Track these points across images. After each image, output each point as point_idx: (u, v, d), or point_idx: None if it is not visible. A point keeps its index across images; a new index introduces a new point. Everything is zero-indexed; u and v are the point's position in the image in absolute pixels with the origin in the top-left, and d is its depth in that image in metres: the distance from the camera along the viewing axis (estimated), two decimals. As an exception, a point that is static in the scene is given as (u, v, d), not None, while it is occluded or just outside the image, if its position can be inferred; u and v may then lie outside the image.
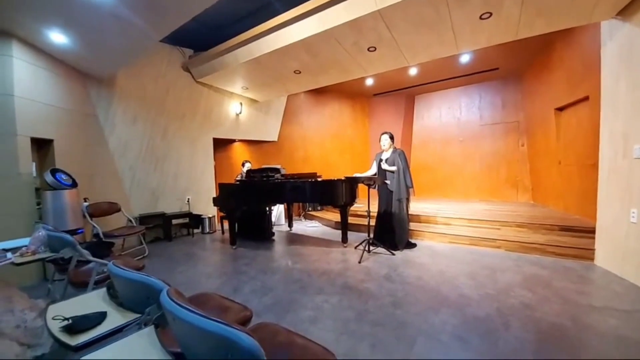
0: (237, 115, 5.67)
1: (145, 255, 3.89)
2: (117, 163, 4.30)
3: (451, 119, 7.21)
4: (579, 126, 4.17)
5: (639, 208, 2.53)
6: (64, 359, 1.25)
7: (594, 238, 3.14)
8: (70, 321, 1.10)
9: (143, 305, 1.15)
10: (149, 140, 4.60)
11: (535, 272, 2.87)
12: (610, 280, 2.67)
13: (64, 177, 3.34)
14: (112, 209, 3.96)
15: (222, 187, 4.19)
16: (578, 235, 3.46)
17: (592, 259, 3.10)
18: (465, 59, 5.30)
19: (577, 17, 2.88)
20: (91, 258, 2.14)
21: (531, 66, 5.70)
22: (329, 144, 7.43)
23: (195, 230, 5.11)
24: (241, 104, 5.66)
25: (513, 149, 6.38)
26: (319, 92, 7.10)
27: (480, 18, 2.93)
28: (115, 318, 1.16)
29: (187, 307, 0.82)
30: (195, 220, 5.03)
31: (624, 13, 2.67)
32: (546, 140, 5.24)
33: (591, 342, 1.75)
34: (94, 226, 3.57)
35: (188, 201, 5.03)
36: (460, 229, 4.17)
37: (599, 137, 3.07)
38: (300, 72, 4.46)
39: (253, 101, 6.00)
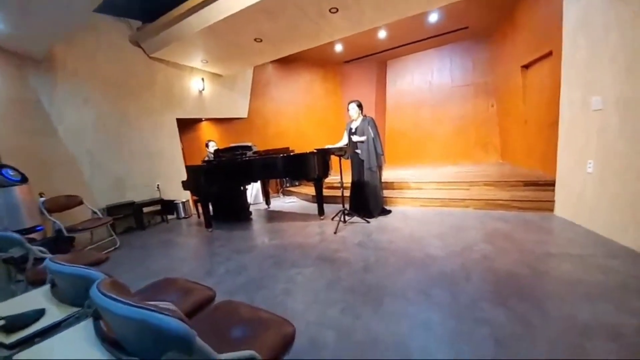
0: (200, 92, 5.33)
1: (116, 246, 3.75)
2: (72, 151, 3.99)
3: (423, 83, 7.15)
4: (543, 83, 4.23)
5: (595, 159, 2.65)
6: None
7: (554, 191, 3.31)
8: (4, 321, 1.04)
9: (84, 298, 1.09)
10: (105, 123, 4.26)
11: (498, 227, 3.02)
12: (567, 228, 2.85)
13: (11, 172, 3.07)
14: (73, 202, 3.73)
15: (190, 170, 4.02)
16: (540, 189, 3.64)
17: (552, 210, 3.29)
18: (434, 18, 5.14)
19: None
20: (44, 255, 2.03)
21: (500, 23, 5.63)
22: (302, 117, 7.23)
23: (170, 217, 4.97)
24: (203, 79, 5.30)
25: (483, 110, 6.48)
26: (288, 62, 6.77)
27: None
28: (55, 314, 1.09)
29: (112, 296, 0.76)
30: (168, 206, 4.86)
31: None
32: (513, 99, 5.33)
33: (545, 286, 1.88)
34: (54, 222, 3.37)
35: (158, 187, 4.82)
36: (432, 192, 4.28)
37: (560, 92, 3.13)
38: (261, 41, 4.17)
39: (216, 76, 5.63)
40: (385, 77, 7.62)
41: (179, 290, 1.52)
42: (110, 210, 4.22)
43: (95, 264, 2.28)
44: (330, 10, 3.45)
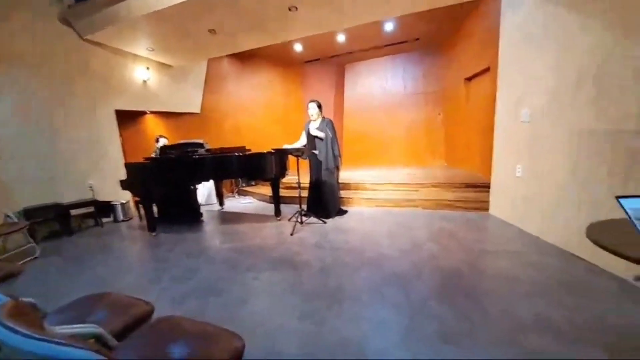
0: (145, 82, 4.83)
1: (35, 255, 3.21)
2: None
3: (379, 89, 7.45)
4: (483, 95, 4.69)
5: (523, 164, 3.00)
6: None
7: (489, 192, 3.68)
8: None
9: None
10: (26, 113, 3.62)
11: (443, 226, 3.27)
12: (502, 227, 3.19)
13: None
14: (-23, 203, 3.10)
15: (130, 168, 3.60)
16: (479, 190, 4.02)
17: (488, 210, 3.65)
18: (389, 27, 5.37)
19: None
20: None
21: (447, 38, 6.11)
22: (261, 114, 7.04)
23: (106, 219, 4.41)
24: (148, 68, 4.82)
25: (432, 117, 6.98)
26: (246, 58, 6.52)
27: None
28: None
29: (11, 326, 0.62)
30: (104, 208, 4.32)
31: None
32: (457, 108, 5.82)
33: (486, 283, 2.04)
34: (-51, 228, 2.77)
35: (91, 187, 4.25)
36: (386, 193, 4.47)
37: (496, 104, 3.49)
38: (215, 32, 3.92)
39: (165, 66, 5.17)
40: (343, 80, 7.77)
41: (109, 307, 1.33)
42: (29, 213, 3.59)
43: (6, 277, 1.92)
44: (289, 9, 3.38)
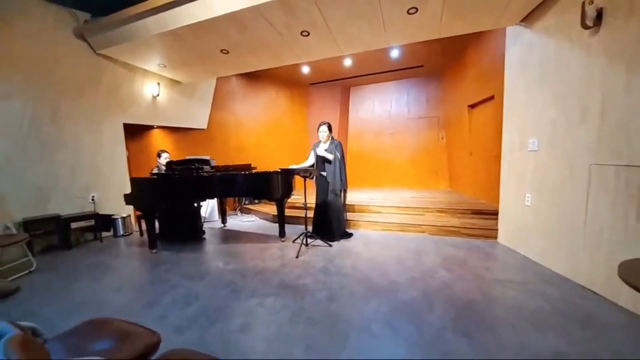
0: (155, 97, 4.89)
1: (32, 269, 3.10)
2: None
3: (383, 112, 7.59)
4: (486, 122, 4.77)
5: (532, 193, 2.99)
6: None
7: (497, 219, 3.64)
8: None
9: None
10: (31, 122, 3.61)
11: (452, 253, 3.20)
12: (509, 255, 3.13)
13: None
14: (-25, 214, 3.03)
15: (135, 182, 3.57)
16: (485, 218, 3.98)
17: (496, 238, 3.60)
18: (394, 54, 5.55)
19: (489, 21, 3.19)
20: None
21: (450, 66, 6.29)
22: (265, 133, 7.10)
23: (106, 234, 4.32)
24: (158, 84, 4.90)
25: (434, 141, 7.06)
26: (254, 78, 6.68)
27: (408, 12, 3.01)
28: None
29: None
30: (104, 222, 4.23)
31: (527, 20, 3.03)
32: (460, 134, 5.90)
33: (498, 313, 1.99)
34: (-56, 239, 2.68)
35: (93, 199, 4.19)
36: (391, 217, 4.42)
37: (502, 132, 3.53)
38: (228, 52, 4.02)
39: (175, 82, 5.26)
40: (348, 102, 7.92)
41: (113, 335, 1.25)
42: (28, 225, 3.51)
43: (2, 296, 1.84)
44: (301, 33, 3.49)
